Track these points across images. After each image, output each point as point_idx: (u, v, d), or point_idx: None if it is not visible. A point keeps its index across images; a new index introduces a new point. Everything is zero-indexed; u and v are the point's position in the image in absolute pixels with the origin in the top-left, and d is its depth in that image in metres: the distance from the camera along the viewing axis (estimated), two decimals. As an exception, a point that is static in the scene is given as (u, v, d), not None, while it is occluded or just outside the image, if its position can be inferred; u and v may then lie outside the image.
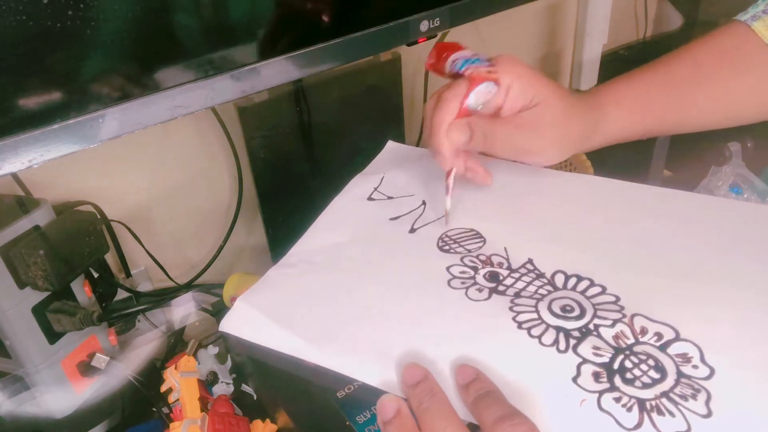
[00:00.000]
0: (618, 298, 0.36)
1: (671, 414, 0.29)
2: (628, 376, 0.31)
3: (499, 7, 0.64)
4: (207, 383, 0.57)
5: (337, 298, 0.39)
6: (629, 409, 0.29)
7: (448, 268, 0.40)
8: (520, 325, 0.35)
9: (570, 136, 0.46)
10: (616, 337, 0.33)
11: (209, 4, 0.44)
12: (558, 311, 0.35)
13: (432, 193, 0.49)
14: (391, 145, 0.57)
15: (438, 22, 0.57)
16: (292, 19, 0.49)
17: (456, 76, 0.44)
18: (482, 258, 0.41)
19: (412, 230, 0.45)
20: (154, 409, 0.56)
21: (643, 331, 0.33)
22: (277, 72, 0.48)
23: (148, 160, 0.70)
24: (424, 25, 0.56)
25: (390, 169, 0.53)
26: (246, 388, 0.58)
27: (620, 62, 1.05)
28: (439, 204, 0.47)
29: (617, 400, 0.30)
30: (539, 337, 0.34)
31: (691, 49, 0.50)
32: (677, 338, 0.32)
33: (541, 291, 0.37)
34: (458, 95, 0.42)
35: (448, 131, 0.42)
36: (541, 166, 0.48)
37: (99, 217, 0.62)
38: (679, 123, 0.50)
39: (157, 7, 0.41)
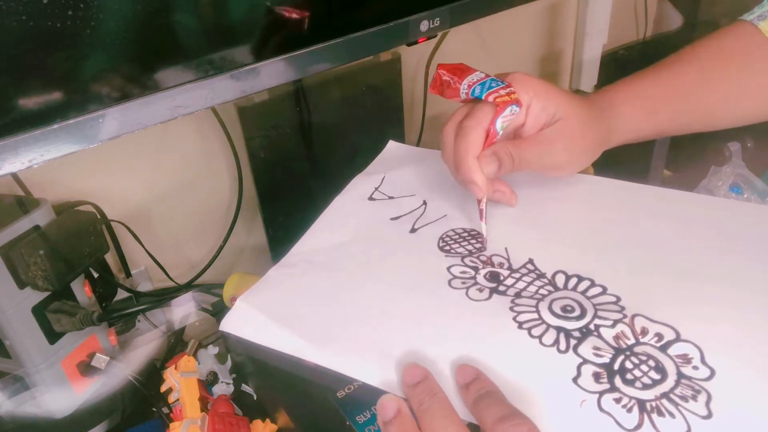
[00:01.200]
0: (618, 299, 0.36)
1: (671, 415, 0.29)
2: (629, 376, 0.31)
3: (499, 7, 0.64)
4: (207, 383, 0.57)
5: (337, 298, 0.39)
6: (629, 410, 0.29)
7: (448, 268, 0.40)
8: (520, 325, 0.35)
9: (593, 144, 0.45)
10: (616, 337, 0.33)
11: (209, 3, 0.44)
12: (559, 311, 0.35)
13: (433, 193, 0.49)
14: (392, 145, 0.57)
15: (438, 22, 0.57)
16: (292, 19, 0.49)
17: (472, 100, 0.43)
18: (483, 258, 0.41)
19: (413, 230, 0.45)
20: (154, 409, 0.56)
21: (644, 332, 0.33)
22: (277, 72, 0.48)
23: (148, 160, 0.70)
24: (424, 25, 0.56)
25: (391, 169, 0.53)
26: (246, 388, 0.58)
27: (620, 62, 1.05)
28: (439, 204, 0.47)
29: (617, 400, 0.30)
30: (540, 337, 0.34)
31: (697, 49, 0.49)
32: (678, 339, 0.32)
33: (541, 291, 0.37)
34: (482, 123, 0.41)
35: (480, 161, 0.41)
36: (564, 176, 0.47)
37: (99, 217, 0.62)
38: (690, 122, 0.50)
39: (157, 7, 0.41)
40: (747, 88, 0.48)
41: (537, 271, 0.39)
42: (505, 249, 0.42)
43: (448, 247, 0.43)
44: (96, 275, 0.60)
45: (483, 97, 0.41)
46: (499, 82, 0.41)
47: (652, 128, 0.49)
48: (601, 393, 0.30)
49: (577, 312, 0.35)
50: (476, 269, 0.40)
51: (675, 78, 0.49)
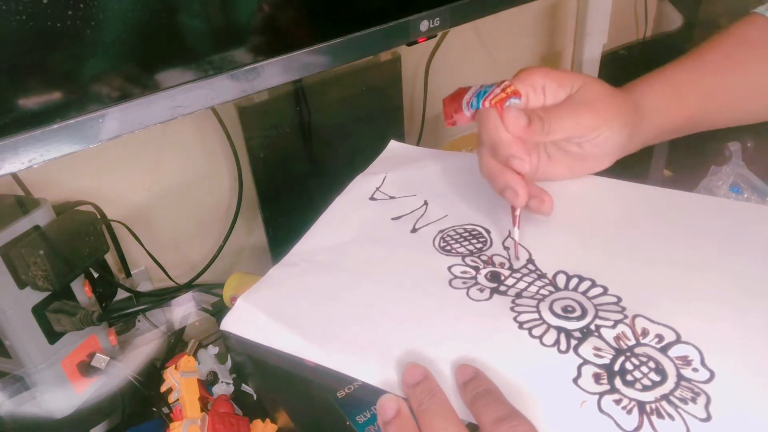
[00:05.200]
0: (619, 299, 0.36)
1: (671, 417, 0.29)
2: (629, 378, 0.31)
3: (499, 7, 0.64)
4: (207, 383, 0.57)
5: (338, 298, 0.39)
6: (629, 412, 0.29)
7: (449, 268, 0.40)
8: (521, 325, 0.35)
9: (622, 112, 0.44)
10: (617, 338, 0.33)
11: (209, 3, 0.44)
12: (559, 312, 0.35)
13: (434, 192, 0.49)
14: (393, 144, 0.57)
15: (438, 22, 0.57)
16: (292, 19, 0.49)
17: (476, 114, 0.42)
18: (484, 258, 0.41)
19: (414, 230, 0.45)
20: (154, 409, 0.56)
21: (645, 333, 0.33)
22: (277, 72, 0.48)
23: (148, 160, 0.70)
24: (424, 25, 0.56)
25: (392, 168, 0.53)
26: (246, 388, 0.58)
27: (620, 62, 1.05)
28: (440, 204, 0.47)
29: (617, 402, 0.30)
30: (540, 337, 0.34)
31: (719, 39, 0.49)
32: (678, 340, 0.32)
33: (542, 291, 0.37)
34: (496, 127, 0.40)
35: (505, 120, 0.40)
36: (605, 151, 0.45)
37: (99, 217, 0.62)
38: (721, 107, 0.49)
39: (158, 7, 0.41)
40: (765, 78, 0.48)
41: (538, 272, 0.39)
42: (506, 248, 0.42)
43: (449, 247, 0.43)
44: (96, 275, 0.60)
45: (480, 106, 0.41)
46: (491, 86, 0.41)
47: (682, 115, 0.47)
48: (601, 394, 0.30)
49: (578, 312, 0.35)
50: (477, 269, 0.40)
51: (699, 65, 0.48)
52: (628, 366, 0.31)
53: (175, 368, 0.52)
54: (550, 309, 0.35)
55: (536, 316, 0.35)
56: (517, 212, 0.41)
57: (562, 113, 0.42)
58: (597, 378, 0.31)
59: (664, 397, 0.30)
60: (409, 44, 0.57)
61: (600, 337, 0.33)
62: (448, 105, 0.44)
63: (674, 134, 0.49)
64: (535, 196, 0.42)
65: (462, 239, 0.43)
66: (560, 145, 0.45)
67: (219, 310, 0.67)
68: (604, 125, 0.43)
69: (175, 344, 0.65)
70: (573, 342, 0.33)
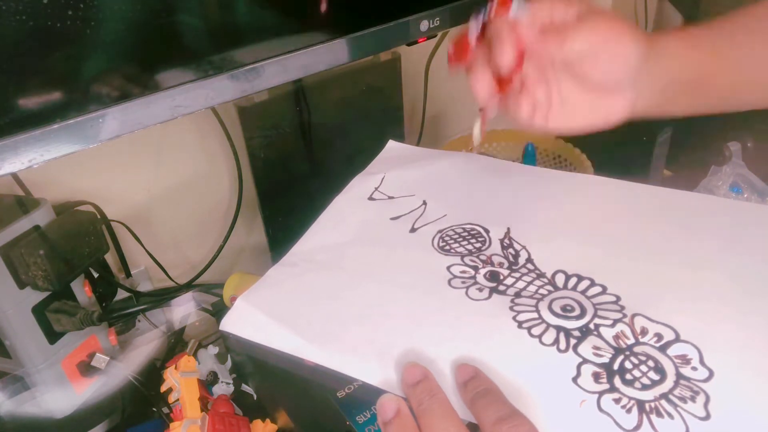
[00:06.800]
0: (618, 298, 0.36)
1: (670, 416, 0.29)
2: (628, 377, 0.31)
3: (499, 7, 0.64)
4: (207, 383, 0.57)
5: (337, 297, 0.39)
6: (629, 411, 0.29)
7: (448, 268, 0.40)
8: (520, 324, 0.35)
9: (635, 31, 0.41)
10: (616, 337, 0.33)
11: (209, 3, 0.44)
12: (558, 311, 0.35)
13: (432, 192, 0.49)
14: (391, 144, 0.57)
15: (438, 21, 0.57)
16: (292, 19, 0.49)
17: (485, 27, 0.40)
18: (483, 258, 0.41)
19: (413, 230, 0.45)
20: (154, 409, 0.56)
21: (644, 332, 0.33)
22: (277, 72, 0.48)
23: (148, 160, 0.70)
24: (424, 25, 0.56)
25: (391, 168, 0.53)
26: (246, 388, 0.58)
27: (620, 62, 1.04)
28: (438, 204, 0.47)
29: (617, 401, 0.30)
30: (539, 336, 0.34)
31: (734, 14, 0.47)
32: (677, 339, 0.32)
33: (541, 291, 0.37)
34: (504, 24, 0.38)
35: (518, 26, 0.38)
36: (618, 74, 0.41)
37: (99, 217, 0.62)
38: (727, 75, 0.46)
39: (158, 7, 0.41)
40: None
41: (537, 271, 0.39)
42: (504, 247, 0.42)
43: (447, 247, 0.43)
44: (96, 275, 0.60)
45: (487, 17, 0.39)
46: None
47: (694, 65, 0.44)
48: (601, 393, 0.30)
49: (577, 311, 0.35)
50: (476, 269, 0.40)
51: (713, 31, 0.46)
52: (628, 365, 0.31)
53: (175, 368, 0.52)
54: (549, 308, 0.35)
55: (535, 315, 0.35)
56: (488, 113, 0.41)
57: (577, 22, 0.39)
58: (596, 377, 0.31)
59: (664, 395, 0.30)
60: (409, 44, 0.57)
61: (599, 336, 0.33)
62: (455, 45, 0.42)
63: (683, 94, 0.46)
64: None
65: (461, 239, 0.43)
66: (573, 73, 0.41)
67: (219, 310, 0.67)
68: (618, 39, 0.40)
69: (175, 344, 0.65)
70: (572, 341, 0.33)
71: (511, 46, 0.38)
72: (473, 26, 0.40)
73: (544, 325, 0.34)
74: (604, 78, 0.41)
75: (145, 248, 0.71)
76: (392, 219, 0.47)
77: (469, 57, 0.41)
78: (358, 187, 0.51)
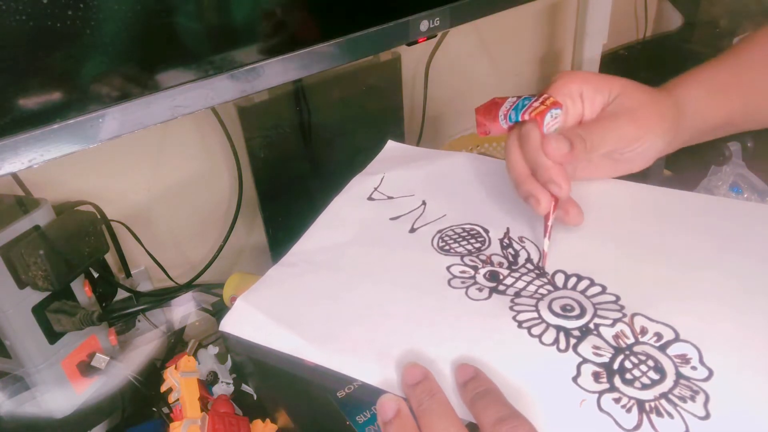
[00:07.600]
0: (618, 298, 0.36)
1: (670, 416, 0.29)
2: (628, 376, 0.31)
3: (499, 7, 0.64)
4: (207, 383, 0.57)
5: (337, 298, 0.39)
6: (629, 410, 0.29)
7: (448, 268, 0.40)
8: (520, 324, 0.35)
9: (661, 117, 0.43)
10: (616, 336, 0.33)
11: (209, 4, 0.44)
12: (558, 310, 0.35)
13: (432, 192, 0.49)
14: (391, 144, 0.57)
15: (438, 21, 0.57)
16: (292, 19, 0.49)
17: (515, 127, 0.42)
18: (482, 257, 0.41)
19: (412, 230, 0.45)
20: (154, 409, 0.56)
21: (643, 331, 0.33)
22: (277, 72, 0.48)
23: (148, 160, 0.70)
24: (424, 25, 0.56)
25: (390, 168, 0.53)
26: (246, 388, 0.58)
27: (620, 62, 1.05)
28: (438, 204, 0.47)
29: (617, 400, 0.30)
30: (539, 336, 0.34)
31: (754, 38, 0.48)
32: (677, 339, 0.32)
33: (541, 290, 0.37)
34: (536, 149, 0.40)
35: (546, 148, 0.39)
36: (647, 157, 0.44)
37: (99, 217, 0.62)
38: (755, 111, 0.47)
39: (157, 7, 0.41)
40: None
41: (536, 271, 0.39)
42: (502, 247, 0.42)
43: (447, 247, 0.43)
44: (96, 275, 0.60)
45: (520, 119, 0.40)
46: (530, 98, 0.41)
47: (722, 114, 0.46)
48: (601, 393, 0.30)
49: (577, 311, 0.35)
50: (476, 269, 0.40)
51: (739, 62, 0.47)
52: (627, 364, 0.31)
53: (175, 368, 0.52)
54: (549, 308, 0.35)
55: (535, 315, 0.35)
56: (549, 222, 0.40)
57: (604, 128, 0.41)
58: (596, 377, 0.31)
59: (664, 395, 0.30)
60: (409, 44, 0.57)
61: (599, 335, 0.33)
62: (482, 115, 0.43)
63: (711, 134, 0.47)
64: (560, 207, 0.41)
65: (460, 239, 0.43)
66: (602, 154, 0.43)
67: (219, 310, 0.67)
68: (647, 135, 0.42)
69: (175, 344, 0.65)
70: (572, 341, 0.33)
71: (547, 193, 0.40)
72: (502, 119, 0.42)
73: (543, 325, 0.34)
74: (630, 160, 0.44)
75: (145, 248, 0.71)
76: (392, 219, 0.47)
77: (493, 133, 0.43)
78: (358, 187, 0.51)
